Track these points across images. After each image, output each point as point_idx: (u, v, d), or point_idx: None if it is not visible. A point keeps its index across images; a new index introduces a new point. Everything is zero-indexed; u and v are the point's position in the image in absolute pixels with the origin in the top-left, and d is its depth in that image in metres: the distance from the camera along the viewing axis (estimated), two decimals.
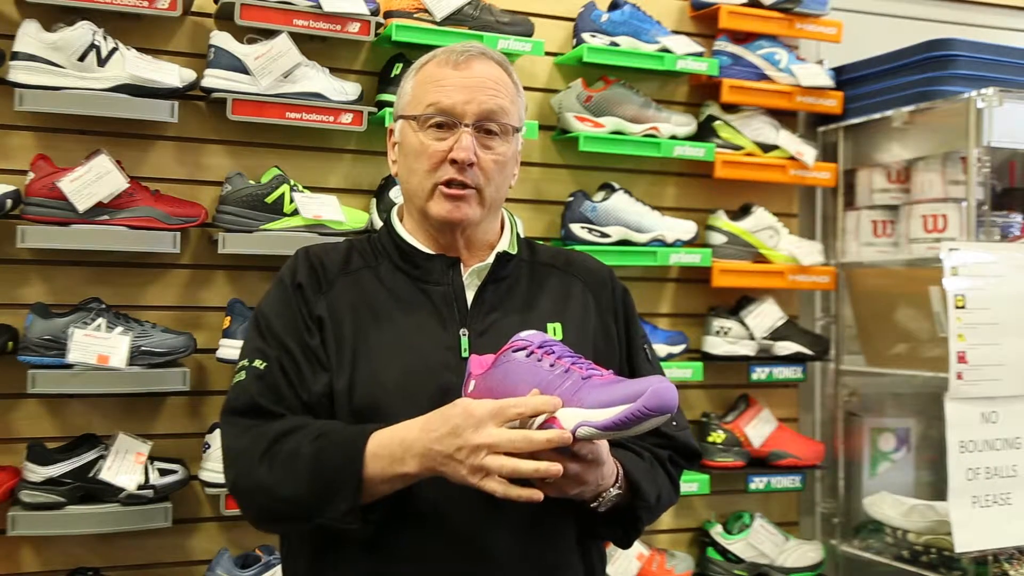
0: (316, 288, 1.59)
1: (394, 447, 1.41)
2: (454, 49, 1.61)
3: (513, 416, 1.34)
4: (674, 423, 1.63)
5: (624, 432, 1.32)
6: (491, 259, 1.62)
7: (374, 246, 1.67)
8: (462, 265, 1.61)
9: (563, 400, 1.34)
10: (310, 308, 1.57)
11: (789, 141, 3.09)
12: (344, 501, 1.40)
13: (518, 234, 1.71)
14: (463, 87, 1.56)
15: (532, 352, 1.40)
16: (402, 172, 1.64)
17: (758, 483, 3.03)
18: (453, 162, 1.54)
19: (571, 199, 2.87)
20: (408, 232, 1.64)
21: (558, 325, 1.61)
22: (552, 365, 1.38)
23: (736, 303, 3.10)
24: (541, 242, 1.79)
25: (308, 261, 1.63)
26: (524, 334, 1.43)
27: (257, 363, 1.54)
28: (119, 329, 2.37)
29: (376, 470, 1.40)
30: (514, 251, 1.66)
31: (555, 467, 1.32)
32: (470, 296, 1.60)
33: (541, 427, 1.35)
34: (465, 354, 1.54)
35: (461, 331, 1.56)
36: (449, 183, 1.55)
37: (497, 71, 1.60)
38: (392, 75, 2.67)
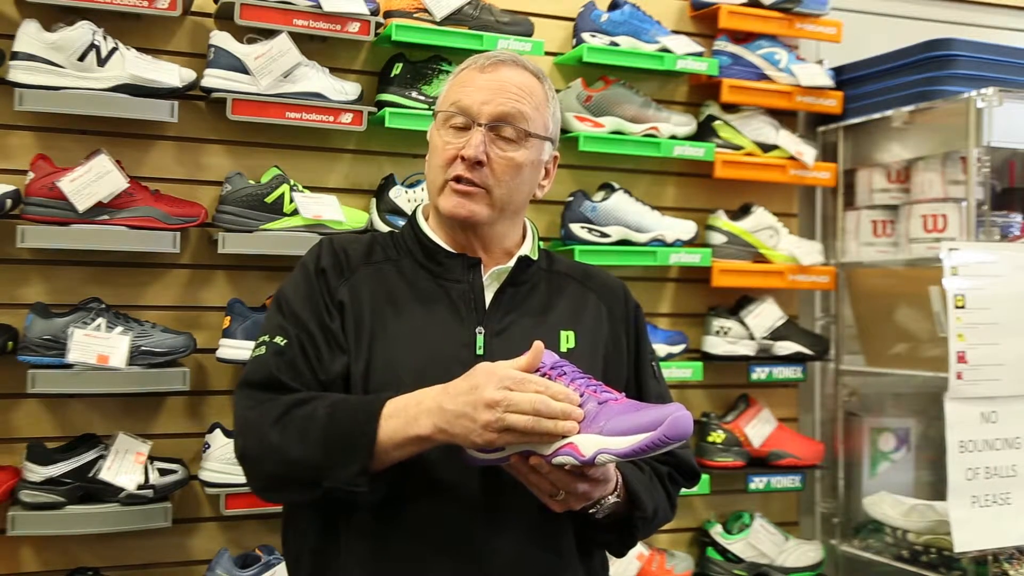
0: (339, 274, 1.61)
1: (410, 408, 1.43)
2: (487, 54, 1.65)
3: (532, 390, 1.36)
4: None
5: (640, 457, 1.35)
6: (512, 263, 1.64)
7: (396, 242, 1.70)
8: (482, 266, 1.64)
9: (581, 426, 1.36)
10: (332, 292, 1.59)
11: (789, 141, 3.09)
12: (356, 461, 1.41)
13: (539, 244, 1.73)
14: (484, 88, 1.59)
15: (545, 374, 1.40)
16: (425, 168, 1.68)
17: (758, 483, 3.03)
18: (463, 159, 1.57)
19: (571, 199, 2.87)
20: (431, 230, 1.67)
21: (571, 333, 1.64)
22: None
23: (736, 303, 3.10)
24: (541, 243, 1.80)
25: (332, 249, 1.65)
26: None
27: (278, 340, 1.56)
28: (119, 329, 2.37)
29: (389, 432, 1.42)
30: (535, 257, 1.69)
31: (577, 412, 1.35)
32: (488, 296, 1.62)
33: (559, 451, 1.36)
34: (480, 351, 1.56)
35: (477, 329, 1.58)
36: (458, 180, 1.58)
37: (525, 77, 1.63)
38: (392, 75, 2.67)
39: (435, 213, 1.66)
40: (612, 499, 1.50)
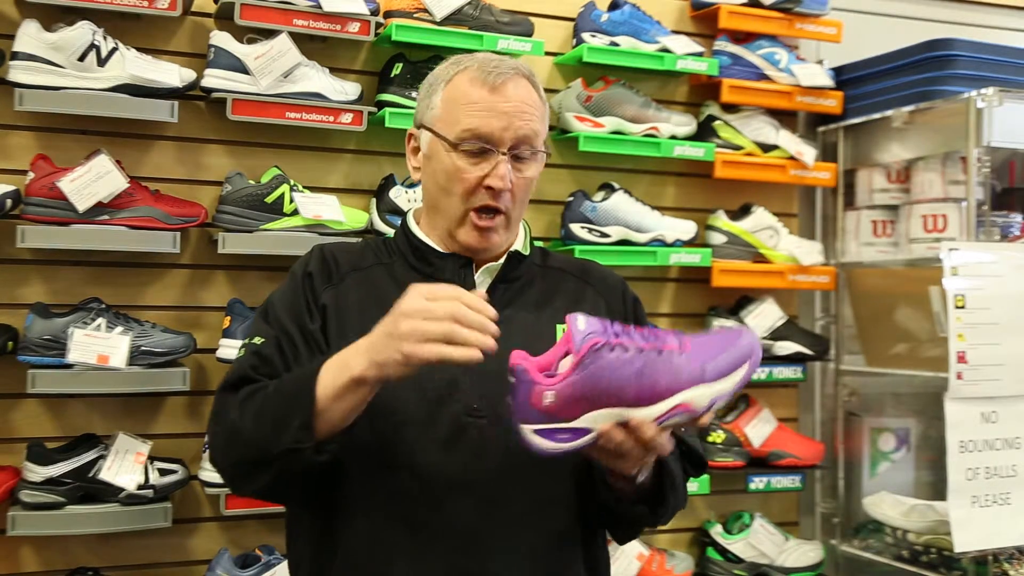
0: (326, 279, 1.61)
1: (344, 355, 1.42)
2: (487, 67, 1.58)
3: (448, 297, 1.35)
4: (683, 428, 1.62)
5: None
6: (502, 259, 1.64)
7: (389, 246, 1.70)
8: (474, 264, 1.63)
9: (677, 386, 1.35)
10: (316, 296, 1.59)
11: (789, 141, 3.09)
12: (296, 417, 1.40)
13: (532, 239, 1.72)
14: (501, 113, 1.55)
15: (613, 346, 1.35)
16: (429, 186, 1.64)
17: (758, 483, 3.03)
18: (488, 188, 1.55)
19: (571, 199, 2.87)
20: (423, 233, 1.66)
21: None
22: (641, 351, 1.35)
23: (736, 303, 3.10)
24: (540, 243, 1.80)
25: (322, 255, 1.65)
26: (583, 327, 1.37)
27: (256, 340, 1.57)
28: (119, 329, 2.37)
29: (327, 382, 1.41)
30: (526, 252, 1.68)
31: (492, 327, 1.33)
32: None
33: (672, 413, 1.35)
34: None
35: None
36: (482, 209, 1.57)
37: (530, 92, 1.61)
38: (392, 75, 2.67)
39: (443, 230, 1.63)
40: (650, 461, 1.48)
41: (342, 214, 2.57)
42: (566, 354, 1.37)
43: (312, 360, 1.53)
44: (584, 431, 1.36)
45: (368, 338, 1.41)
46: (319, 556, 1.55)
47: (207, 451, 2.45)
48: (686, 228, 2.96)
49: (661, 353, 1.36)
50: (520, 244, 1.68)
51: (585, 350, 1.34)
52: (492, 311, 1.37)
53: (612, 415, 1.35)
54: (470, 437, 1.49)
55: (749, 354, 1.37)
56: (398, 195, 2.63)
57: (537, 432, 1.37)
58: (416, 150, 1.67)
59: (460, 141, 1.56)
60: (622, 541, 1.74)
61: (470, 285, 1.61)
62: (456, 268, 1.62)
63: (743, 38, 3.11)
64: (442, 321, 1.33)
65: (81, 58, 2.35)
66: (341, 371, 1.41)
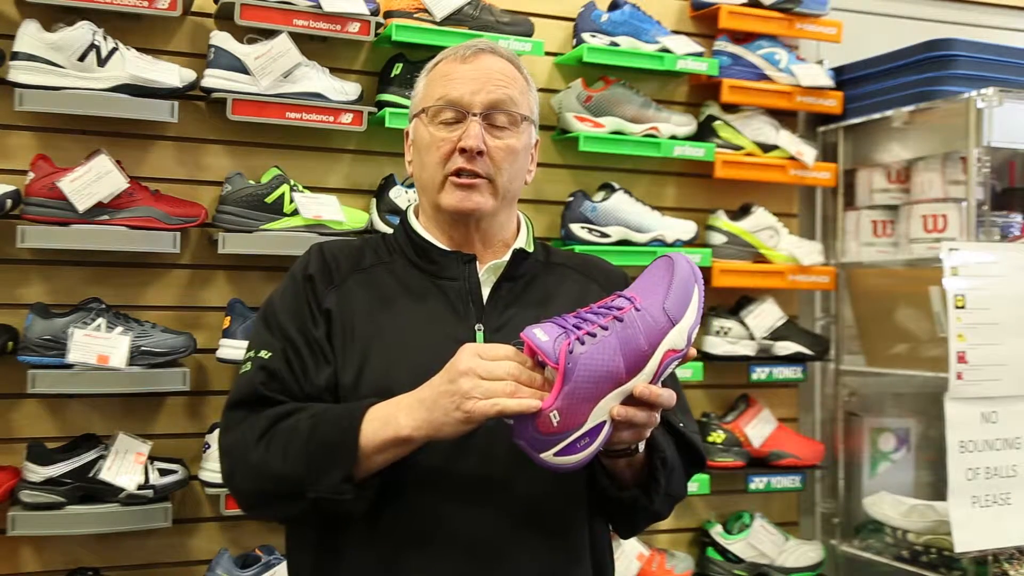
0: (327, 281, 1.59)
1: (388, 408, 1.42)
2: (463, 45, 1.63)
3: (502, 356, 1.36)
4: (681, 424, 1.62)
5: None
6: (507, 256, 1.62)
7: (388, 244, 1.68)
8: (477, 262, 1.61)
9: (656, 338, 1.37)
10: (319, 300, 1.57)
11: (789, 141, 3.09)
12: (339, 469, 1.40)
13: (534, 235, 1.72)
14: (471, 79, 1.58)
15: (582, 338, 1.35)
16: (416, 168, 1.65)
17: (758, 483, 3.03)
18: (462, 151, 1.55)
19: (571, 199, 2.87)
20: (424, 229, 1.65)
21: None
22: (606, 329, 1.36)
23: (736, 303, 3.10)
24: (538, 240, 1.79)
25: (321, 255, 1.63)
26: (545, 336, 1.35)
27: (263, 354, 1.54)
28: (119, 329, 2.37)
29: (369, 435, 1.41)
30: (531, 249, 1.67)
31: (535, 403, 1.32)
32: (486, 292, 1.60)
33: (662, 367, 1.37)
34: None
35: (476, 326, 1.56)
36: (459, 173, 1.56)
37: (505, 64, 1.62)
38: (392, 75, 2.68)
39: (431, 211, 1.63)
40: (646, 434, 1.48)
41: (342, 214, 2.57)
42: (538, 363, 1.38)
43: (319, 370, 1.52)
44: (599, 427, 1.36)
45: (416, 396, 1.40)
46: (320, 564, 1.54)
47: (208, 449, 2.45)
48: (686, 228, 2.96)
49: (623, 320, 1.37)
50: (523, 241, 1.67)
51: (563, 356, 1.33)
52: (539, 379, 1.37)
53: (615, 397, 1.36)
54: (476, 442, 1.46)
55: (691, 276, 1.41)
56: (398, 195, 2.63)
57: (559, 453, 1.36)
58: (410, 145, 1.68)
59: (434, 110, 1.58)
60: (624, 535, 1.74)
61: (474, 282, 1.59)
62: (459, 265, 1.60)
63: (743, 38, 3.12)
64: (504, 381, 1.34)
65: (81, 58, 2.35)
66: (386, 426, 1.40)
